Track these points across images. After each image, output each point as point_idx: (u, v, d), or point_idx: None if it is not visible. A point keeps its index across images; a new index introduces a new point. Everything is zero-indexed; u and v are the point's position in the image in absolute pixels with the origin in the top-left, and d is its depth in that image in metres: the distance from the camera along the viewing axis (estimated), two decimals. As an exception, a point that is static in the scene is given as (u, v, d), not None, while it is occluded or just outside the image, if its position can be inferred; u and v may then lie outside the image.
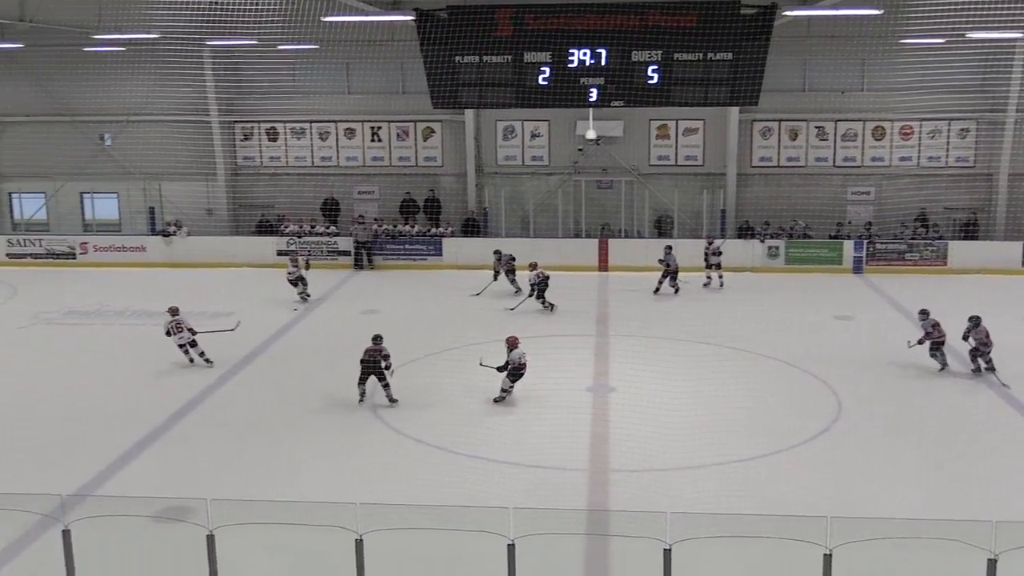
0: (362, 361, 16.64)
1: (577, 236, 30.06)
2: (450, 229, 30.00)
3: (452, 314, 22.29)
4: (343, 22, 24.90)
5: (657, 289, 24.77)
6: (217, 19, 27.47)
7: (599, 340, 20.80)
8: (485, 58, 20.55)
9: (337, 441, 15.11)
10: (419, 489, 12.81)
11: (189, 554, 8.34)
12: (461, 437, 14.90)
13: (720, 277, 26.09)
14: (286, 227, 30.20)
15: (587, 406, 16.58)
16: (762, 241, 28.52)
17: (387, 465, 14.07)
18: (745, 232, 29.10)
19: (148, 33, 26.01)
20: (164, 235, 30.16)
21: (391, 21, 25.22)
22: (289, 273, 24.49)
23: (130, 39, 27.19)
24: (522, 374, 16.50)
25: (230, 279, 27.84)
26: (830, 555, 7.67)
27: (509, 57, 20.52)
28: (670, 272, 24.96)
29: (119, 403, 16.83)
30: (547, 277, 23.22)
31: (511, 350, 16.58)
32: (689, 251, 26.95)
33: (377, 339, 16.77)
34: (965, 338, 18.29)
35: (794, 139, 30.12)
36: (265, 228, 30.86)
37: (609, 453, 14.64)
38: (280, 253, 29.33)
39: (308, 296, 24.61)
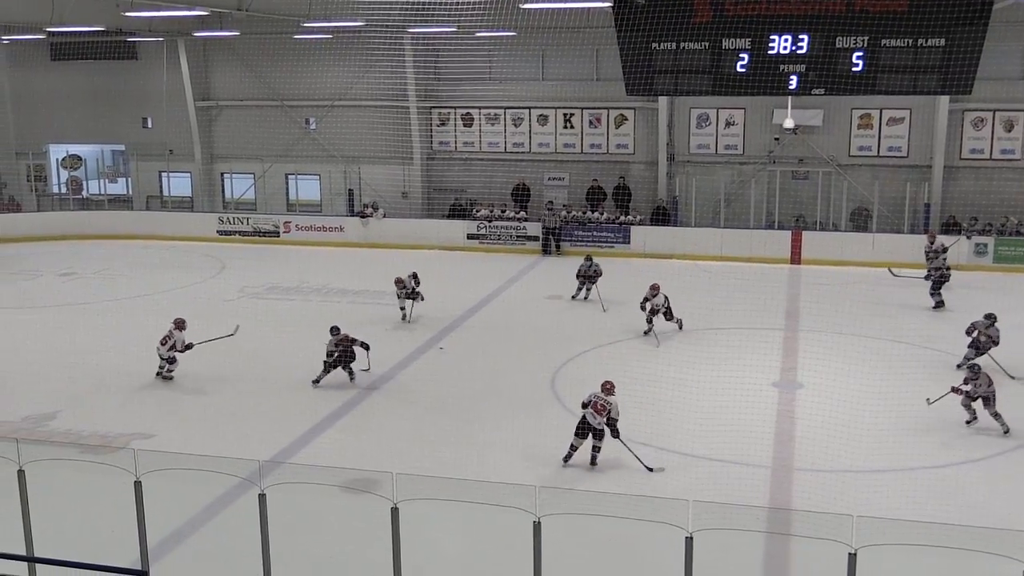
0: (337, 355, 17.00)
1: (770, 227, 29.32)
2: (639, 217, 29.83)
3: (638, 301, 22.17)
4: (540, 9, 25.12)
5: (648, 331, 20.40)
6: (418, 6, 28.29)
7: (787, 334, 20.28)
8: (682, 44, 20.21)
9: (519, 423, 15.29)
10: (597, 476, 12.85)
11: (373, 524, 8.63)
12: (643, 426, 14.81)
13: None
14: (477, 211, 30.76)
15: (773, 402, 16.20)
16: (968, 238, 27.06)
17: (565, 449, 14.14)
18: (951, 228, 27.70)
19: (354, 21, 26.97)
20: (361, 216, 31.23)
21: (587, 8, 25.24)
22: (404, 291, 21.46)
23: (336, 27, 28.28)
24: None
25: (422, 260, 28.57)
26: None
27: (707, 43, 20.12)
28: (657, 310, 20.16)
29: (311, 376, 17.56)
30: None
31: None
32: (887, 245, 25.97)
33: (335, 330, 17.22)
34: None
35: (1009, 130, 28.42)
36: (457, 212, 31.53)
37: (794, 451, 14.27)
38: (470, 236, 29.94)
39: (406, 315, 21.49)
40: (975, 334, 17.63)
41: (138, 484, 8.71)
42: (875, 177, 28.69)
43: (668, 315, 19.97)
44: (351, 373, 17.12)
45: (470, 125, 32.42)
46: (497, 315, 22.49)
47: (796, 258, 27.88)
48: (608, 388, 13.63)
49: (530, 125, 31.89)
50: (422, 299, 21.46)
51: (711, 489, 12.07)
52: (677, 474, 13.09)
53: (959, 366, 17.36)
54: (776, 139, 29.36)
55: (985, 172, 28.53)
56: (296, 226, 31.58)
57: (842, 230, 28.88)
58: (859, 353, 18.59)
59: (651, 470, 12.79)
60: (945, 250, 23.98)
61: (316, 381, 16.97)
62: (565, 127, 31.59)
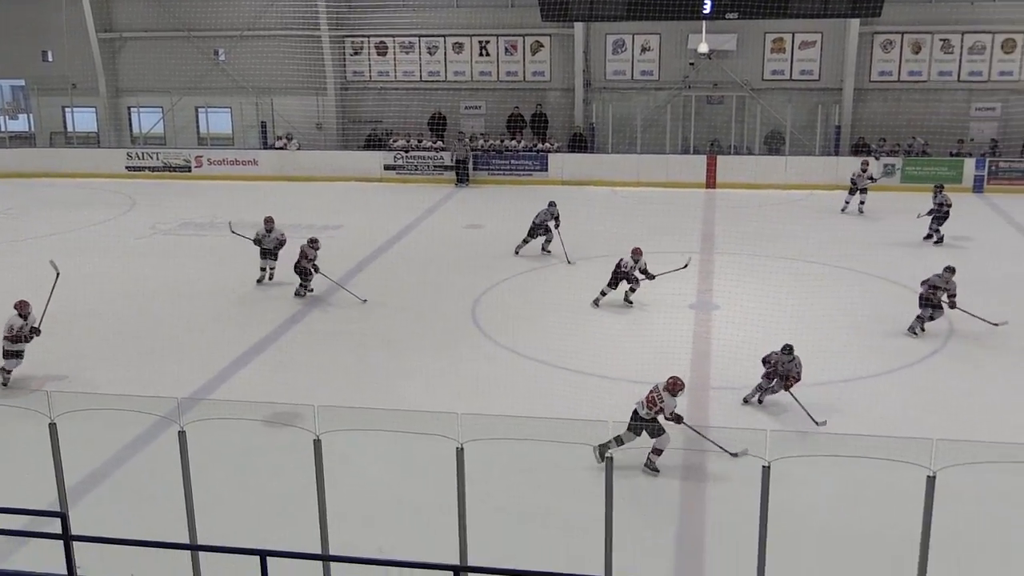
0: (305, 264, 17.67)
1: (685, 153, 29.58)
2: (556, 145, 29.82)
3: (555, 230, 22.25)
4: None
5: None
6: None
7: (704, 257, 20.57)
8: (596, -31, 20.15)
9: (439, 352, 15.36)
10: (520, 400, 12.98)
11: (297, 458, 8.62)
12: (561, 351, 14.99)
13: (862, 203, 24.96)
14: (394, 142, 30.44)
15: (690, 323, 16.49)
16: (877, 159, 27.64)
17: (489, 376, 14.27)
18: (860, 149, 28.24)
19: (261, -53, 26.25)
20: (276, 149, 30.74)
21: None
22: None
23: (243, -47, 27.48)
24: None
25: (338, 192, 28.29)
26: (934, 477, 7.52)
27: (620, -33, 20.08)
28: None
29: (231, 312, 17.39)
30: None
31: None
32: (800, 167, 26.49)
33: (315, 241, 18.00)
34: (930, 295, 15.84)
35: (917, 52, 28.95)
36: (373, 143, 31.16)
37: (711, 370, 14.57)
38: (387, 168, 29.66)
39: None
40: (939, 294, 15.87)
41: (53, 426, 8.55)
42: (788, 101, 29.03)
43: (635, 284, 17.25)
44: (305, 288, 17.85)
45: (384, 54, 31.93)
46: (416, 246, 22.40)
47: (711, 182, 28.22)
48: (672, 385, 11.21)
49: (445, 53, 31.53)
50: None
51: (631, 410, 12.28)
52: (598, 395, 13.27)
53: (912, 330, 15.87)
54: (691, 64, 29.49)
55: (893, 94, 29.08)
56: (208, 160, 30.94)
57: (756, 154, 29.26)
58: (773, 274, 18.95)
59: (735, 455, 11.05)
60: (873, 179, 24.56)
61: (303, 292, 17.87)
62: (481, 55, 31.30)
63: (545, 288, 18.60)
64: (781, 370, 12.29)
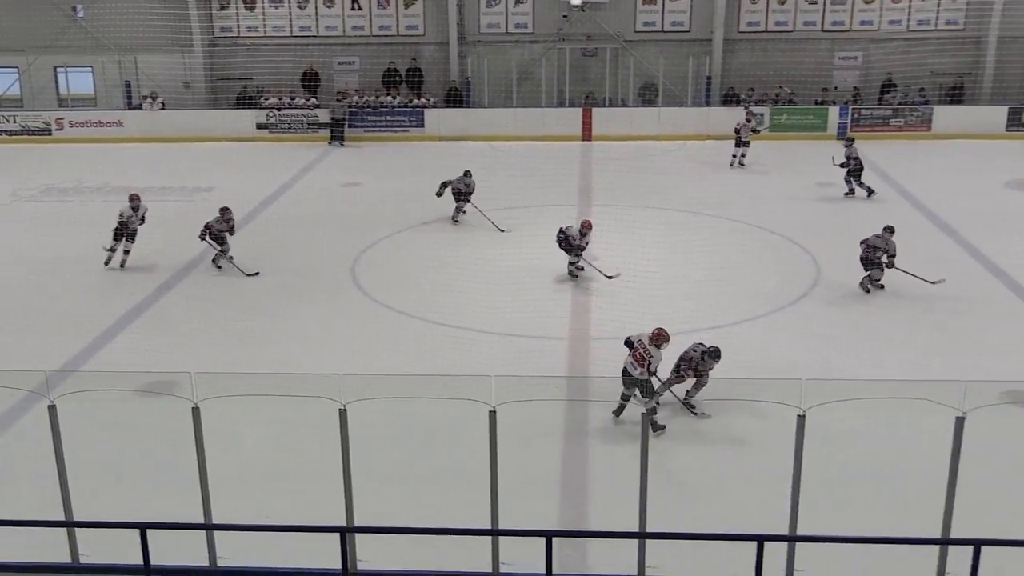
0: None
1: (561, 105, 29.70)
2: (432, 100, 29.58)
3: (433, 186, 22.11)
4: None
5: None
6: None
7: (582, 210, 20.74)
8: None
9: (319, 313, 15.21)
10: (402, 359, 12.96)
11: (175, 427, 8.45)
12: (443, 308, 15.01)
13: (743, 156, 25.05)
14: (266, 100, 29.74)
15: (568, 276, 16.65)
16: (745, 108, 28.22)
17: (370, 336, 14.20)
18: (730, 99, 28.79)
19: None
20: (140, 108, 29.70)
21: None
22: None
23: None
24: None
25: (209, 153, 27.55)
26: (803, 416, 7.83)
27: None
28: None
29: (100, 279, 16.86)
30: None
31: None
32: (673, 118, 26.94)
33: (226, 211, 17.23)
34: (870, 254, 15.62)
35: (783, 3, 29.55)
36: (244, 101, 30.35)
37: (590, 321, 14.78)
38: (260, 126, 29.00)
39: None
40: (877, 254, 15.58)
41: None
42: (660, 52, 29.34)
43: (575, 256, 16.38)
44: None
45: (252, 8, 31.04)
46: (292, 206, 22.01)
47: (587, 134, 28.42)
48: (656, 337, 11.27)
49: (316, 7, 30.82)
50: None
51: (513, 364, 12.40)
52: (480, 351, 13.35)
53: (863, 286, 15.74)
54: (565, 16, 29.52)
55: (761, 44, 29.67)
56: (70, 123, 29.68)
57: (630, 105, 29.55)
58: (651, 224, 19.26)
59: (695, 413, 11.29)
60: (756, 131, 24.91)
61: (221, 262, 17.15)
62: (353, 8, 30.71)
63: (424, 246, 18.54)
64: (701, 368, 11.99)
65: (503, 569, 7.97)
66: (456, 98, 29.54)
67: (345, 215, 20.85)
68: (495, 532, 7.89)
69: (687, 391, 11.63)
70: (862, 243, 15.77)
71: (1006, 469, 10.31)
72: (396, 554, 8.33)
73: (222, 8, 31.07)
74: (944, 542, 7.77)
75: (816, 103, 28.56)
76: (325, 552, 7.67)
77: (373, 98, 29.60)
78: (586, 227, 16.34)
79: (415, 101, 29.51)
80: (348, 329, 14.51)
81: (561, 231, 16.33)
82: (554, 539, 7.20)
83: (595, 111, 28.71)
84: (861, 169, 21.60)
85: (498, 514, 7.98)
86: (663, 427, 10.93)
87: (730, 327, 14.31)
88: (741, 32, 29.70)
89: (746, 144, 24.84)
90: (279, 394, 8.97)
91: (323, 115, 29.00)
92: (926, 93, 28.74)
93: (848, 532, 7.98)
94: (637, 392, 11.16)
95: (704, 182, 23.20)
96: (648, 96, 29.95)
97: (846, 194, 21.84)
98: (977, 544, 6.42)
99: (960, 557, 7.49)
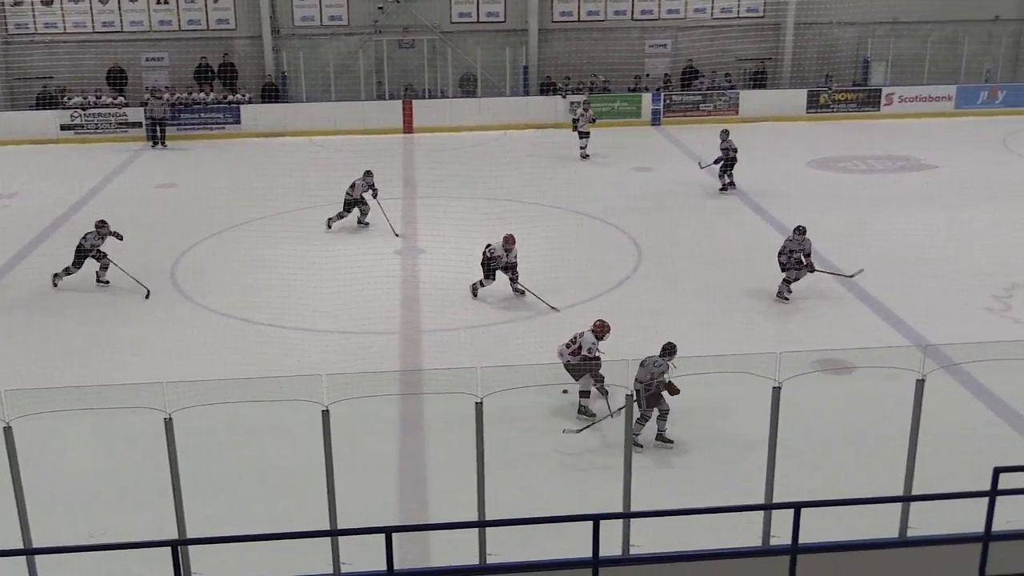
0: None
1: (380, 98, 29.49)
2: (248, 96, 28.88)
3: (253, 185, 21.63)
4: None
5: None
6: None
7: (406, 203, 20.72)
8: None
9: (140, 319, 14.66)
10: (229, 363, 12.63)
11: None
12: (270, 308, 14.70)
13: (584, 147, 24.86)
14: (69, 99, 28.36)
15: (397, 269, 16.60)
16: (564, 97, 28.74)
17: (194, 341, 13.77)
18: (547, 88, 29.23)
19: None
20: None
21: None
22: None
23: None
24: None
25: (10, 157, 26.08)
26: (631, 395, 8.07)
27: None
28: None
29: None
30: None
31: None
32: (493, 108, 27.17)
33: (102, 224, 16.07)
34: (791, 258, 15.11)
35: (609, -7, 30.16)
36: (45, 101, 28.83)
37: (420, 314, 14.76)
38: (64, 127, 27.66)
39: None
40: (798, 256, 15.19)
41: None
42: (477, 43, 29.51)
43: (513, 274, 15.27)
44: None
45: (50, 4, 29.49)
46: (105, 210, 21.01)
47: (408, 127, 28.35)
48: (599, 328, 11.57)
49: (120, 2, 29.55)
50: None
51: (345, 361, 12.27)
52: (310, 350, 13.15)
53: (781, 295, 15.25)
54: (380, 8, 29.31)
55: (575, 34, 30.24)
56: None
57: (450, 97, 29.61)
58: (476, 215, 19.37)
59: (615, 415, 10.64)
60: (593, 121, 25.00)
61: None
62: (159, 2, 29.61)
63: (248, 245, 18.08)
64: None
65: (344, 569, 7.89)
66: (273, 93, 28.93)
67: (162, 218, 20.12)
68: (333, 533, 7.79)
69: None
70: (780, 254, 15.31)
71: (820, 433, 10.88)
72: (233, 563, 8.13)
73: (16, 3, 29.42)
74: (767, 507, 8.12)
75: (629, 90, 29.32)
76: (157, 569, 7.42)
77: (186, 95, 28.65)
78: (509, 242, 15.09)
79: (230, 97, 28.73)
80: (171, 336, 14.03)
81: (486, 250, 15.16)
82: (394, 534, 7.17)
83: (415, 103, 28.66)
84: (733, 162, 21.08)
85: (336, 514, 7.89)
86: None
87: (559, 313, 14.56)
88: (555, 22, 30.19)
89: (586, 135, 24.85)
90: (99, 407, 8.57)
91: (132, 113, 27.86)
92: (732, 78, 29.92)
93: (674, 505, 8.25)
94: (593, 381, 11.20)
95: (526, 170, 23.46)
96: (467, 87, 30.08)
97: (720, 189, 21.32)
98: (797, 507, 6.74)
99: (782, 520, 7.86)
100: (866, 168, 23.75)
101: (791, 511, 6.81)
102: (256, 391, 9.35)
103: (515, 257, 15.13)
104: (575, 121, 25.12)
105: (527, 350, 12.85)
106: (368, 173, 19.12)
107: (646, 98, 28.99)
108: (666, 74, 30.16)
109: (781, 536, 7.65)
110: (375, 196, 18.85)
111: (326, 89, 29.16)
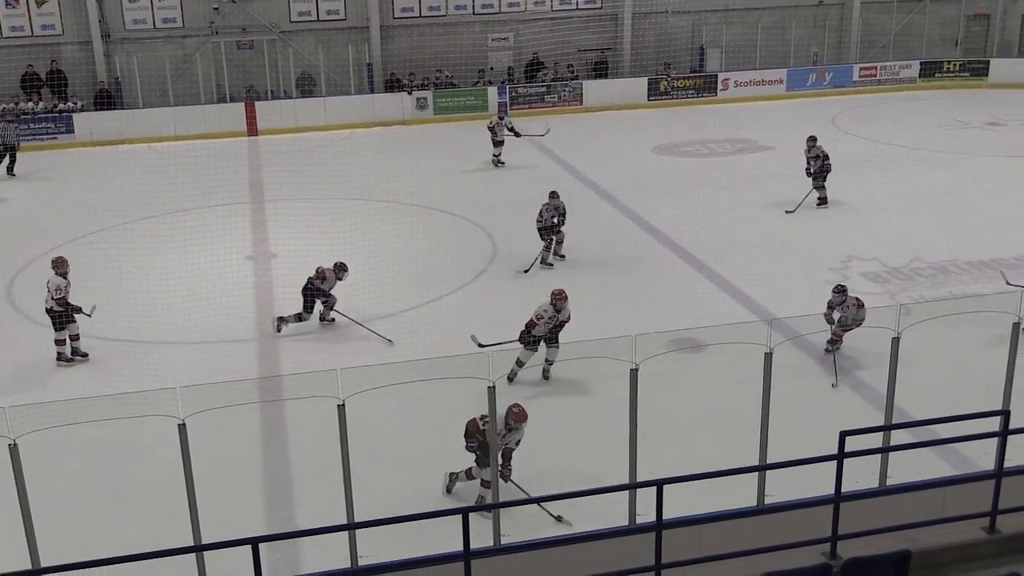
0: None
1: (222, 101, 28.77)
2: (80, 103, 27.75)
3: (90, 196, 20.76)
4: None
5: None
6: None
7: (255, 207, 20.31)
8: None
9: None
10: (78, 382, 12.16)
11: None
12: (121, 322, 14.17)
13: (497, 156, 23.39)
14: None
15: (249, 275, 16.27)
16: (410, 93, 28.64)
17: (39, 362, 13.18)
18: (393, 85, 29.08)
19: None
20: None
21: None
22: None
23: None
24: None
25: None
26: (494, 387, 8.10)
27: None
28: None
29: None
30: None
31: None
32: (338, 108, 26.85)
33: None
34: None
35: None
36: None
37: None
38: None
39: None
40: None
41: None
42: (318, 41, 29.11)
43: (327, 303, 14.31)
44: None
45: None
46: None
47: (252, 130, 27.77)
48: (557, 298, 12.17)
49: (-68, 9, 27.99)
50: None
51: (201, 372, 11.96)
52: (168, 364, 12.77)
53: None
54: (215, 9, 28.59)
55: (417, 30, 30.15)
56: None
57: (293, 97, 29.13)
58: (327, 215, 19.14)
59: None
60: (515, 132, 23.51)
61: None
62: (-23, 10, 28.17)
63: (91, 258, 17.31)
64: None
65: (213, 584, 7.70)
66: (107, 100, 27.89)
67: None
68: (198, 548, 7.58)
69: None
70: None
71: (678, 411, 11.19)
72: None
73: None
74: (632, 487, 8.28)
75: (474, 84, 29.42)
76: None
77: (12, 105, 27.31)
78: (335, 270, 14.29)
79: (60, 106, 27.55)
80: (12, 357, 13.38)
81: (310, 280, 14.15)
82: (261, 544, 7.02)
83: (258, 105, 28.09)
84: (827, 169, 19.39)
85: (199, 529, 7.69)
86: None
87: (419, 308, 14.53)
88: (396, 18, 30.03)
89: (500, 143, 23.50)
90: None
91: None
92: (574, 69, 30.38)
93: (545, 492, 8.35)
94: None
95: (375, 168, 23.28)
96: (307, 87, 29.63)
97: (819, 203, 19.47)
98: (660, 484, 6.90)
99: (646, 497, 8.04)
100: (708, 152, 24.49)
101: (655, 489, 6.96)
102: (109, 409, 9.03)
103: (341, 279, 14.30)
104: (491, 129, 23.62)
105: (389, 350, 12.81)
106: (553, 194, 16.73)
107: (492, 91, 29.16)
108: (510, 67, 30.39)
109: (646, 514, 7.83)
110: (562, 223, 16.69)
111: (164, 94, 28.26)
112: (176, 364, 12.70)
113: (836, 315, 12.57)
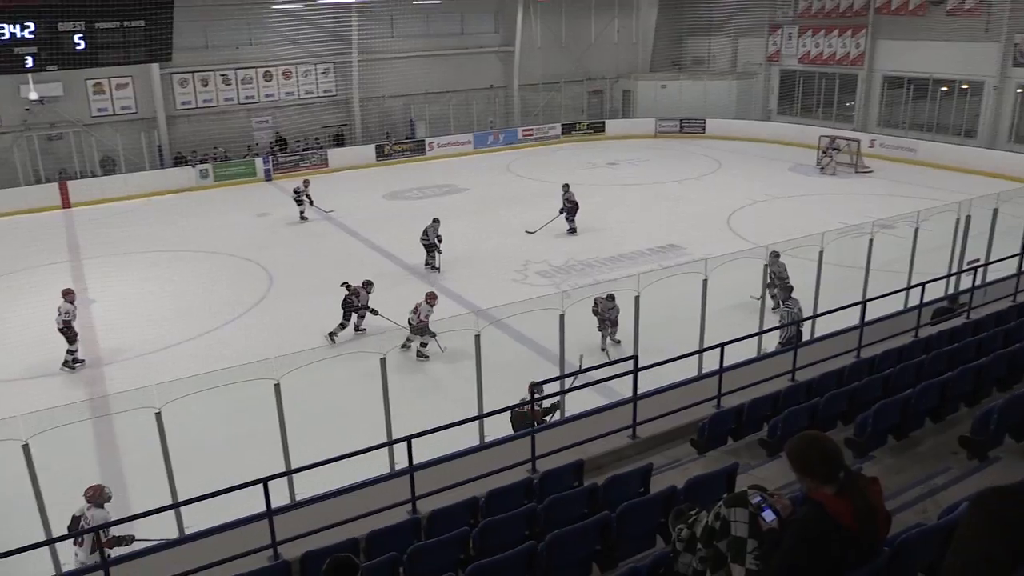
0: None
1: (39, 183, 25.84)
2: (-91, 191, 24.08)
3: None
4: None
5: None
6: None
7: (73, 264, 18.50)
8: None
9: None
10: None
11: None
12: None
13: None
14: None
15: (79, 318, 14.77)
16: (194, 167, 27.01)
17: None
18: (181, 161, 27.31)
19: None
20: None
21: None
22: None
23: None
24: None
25: None
26: (278, 385, 7.89)
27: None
28: None
29: None
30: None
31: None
32: (137, 181, 24.97)
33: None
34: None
35: (206, 85, 28.52)
36: None
37: (99, 350, 13.32)
38: None
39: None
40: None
41: None
42: (116, 131, 26.80)
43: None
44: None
45: None
46: None
47: (66, 203, 25.17)
48: (430, 298, 12.74)
49: None
50: None
51: (39, 400, 10.80)
52: (8, 399, 11.40)
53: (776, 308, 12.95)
54: (28, 109, 25.63)
55: (196, 117, 28.41)
56: None
57: (99, 175, 26.67)
58: (135, 265, 17.79)
59: None
60: (309, 201, 21.64)
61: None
62: None
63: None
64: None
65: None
66: (-68, 187, 24.35)
67: None
68: (42, 544, 6.87)
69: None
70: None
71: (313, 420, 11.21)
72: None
73: None
74: (387, 444, 8.27)
75: (244, 156, 28.18)
76: None
77: None
78: (365, 286, 13.60)
79: None
80: None
81: (346, 297, 13.42)
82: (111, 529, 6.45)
83: (70, 183, 25.46)
84: (575, 208, 19.32)
85: (50, 527, 6.97)
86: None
87: (214, 331, 13.81)
88: (178, 109, 28.16)
89: (301, 202, 21.44)
90: None
91: None
92: (320, 140, 29.78)
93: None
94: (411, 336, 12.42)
95: (172, 227, 21.84)
96: (111, 167, 27.21)
97: (569, 231, 19.32)
98: (408, 439, 6.94)
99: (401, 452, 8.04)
100: (423, 195, 24.73)
101: (405, 444, 6.93)
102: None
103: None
104: (297, 191, 21.75)
105: (199, 361, 12.09)
106: (436, 220, 17.08)
107: (258, 161, 28.00)
108: (271, 141, 29.34)
109: (402, 461, 7.84)
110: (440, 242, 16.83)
111: (-15, 180, 25.04)
112: (16, 398, 11.38)
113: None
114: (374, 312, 13.43)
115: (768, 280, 13.15)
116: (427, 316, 12.52)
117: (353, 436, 7.66)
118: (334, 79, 30.33)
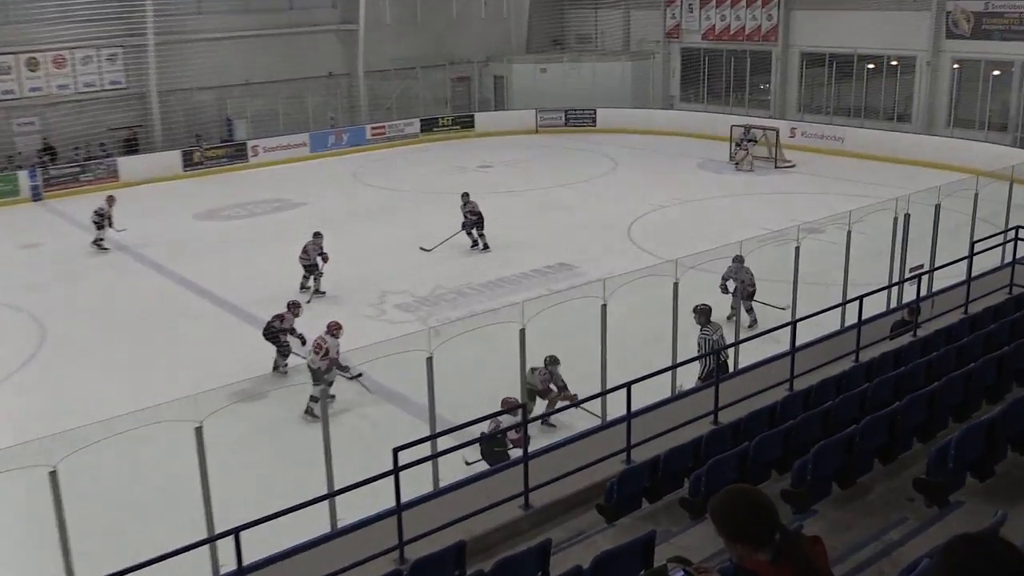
0: None
1: None
2: None
3: None
4: None
5: None
6: None
7: None
8: None
9: None
10: None
11: None
12: None
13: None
14: None
15: None
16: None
17: None
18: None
19: None
20: None
21: None
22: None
23: None
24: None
25: None
26: (55, 472, 7.34)
27: None
28: None
29: None
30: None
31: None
32: None
33: None
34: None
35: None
36: None
37: None
38: None
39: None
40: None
41: None
42: None
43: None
44: None
45: None
46: None
47: None
48: (334, 328, 12.68)
49: None
50: None
51: None
52: None
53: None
54: None
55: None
56: None
57: None
58: None
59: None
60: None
61: None
62: None
63: None
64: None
65: None
66: None
67: None
68: None
69: None
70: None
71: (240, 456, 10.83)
72: None
73: None
74: (210, 539, 7.86)
75: (2, 170, 26.59)
76: None
77: None
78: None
79: None
80: None
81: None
82: None
83: None
84: (479, 222, 19.70)
85: None
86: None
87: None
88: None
89: (101, 227, 20.76)
90: None
91: None
92: (107, 147, 28.57)
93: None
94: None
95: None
96: None
97: (472, 246, 19.81)
98: (236, 532, 6.60)
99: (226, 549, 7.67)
100: (247, 213, 24.09)
101: (232, 538, 6.63)
102: None
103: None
104: (100, 212, 20.86)
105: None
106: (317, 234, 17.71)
107: (23, 176, 26.51)
108: (40, 150, 27.87)
109: (228, 564, 7.50)
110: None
111: None
112: None
113: (731, 285, 14.11)
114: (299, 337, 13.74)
115: (738, 292, 14.00)
116: (337, 352, 12.39)
117: (159, 529, 7.23)
118: (124, 67, 29.35)
